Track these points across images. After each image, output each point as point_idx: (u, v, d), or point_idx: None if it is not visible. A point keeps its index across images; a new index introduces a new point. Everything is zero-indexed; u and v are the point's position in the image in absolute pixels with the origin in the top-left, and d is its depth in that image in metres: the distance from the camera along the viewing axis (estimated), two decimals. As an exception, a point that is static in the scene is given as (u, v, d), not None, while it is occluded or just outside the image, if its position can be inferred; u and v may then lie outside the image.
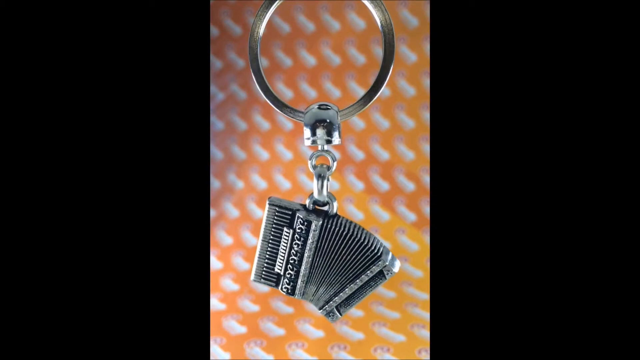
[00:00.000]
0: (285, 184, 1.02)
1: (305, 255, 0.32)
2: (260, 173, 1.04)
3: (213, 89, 1.09)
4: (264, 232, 0.33)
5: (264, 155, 1.05)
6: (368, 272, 0.32)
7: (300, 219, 0.32)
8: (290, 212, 0.33)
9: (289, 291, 0.33)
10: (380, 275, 0.33)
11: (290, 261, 0.33)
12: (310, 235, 0.32)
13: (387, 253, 0.33)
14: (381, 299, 0.82)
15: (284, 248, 0.33)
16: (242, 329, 0.76)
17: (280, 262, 0.33)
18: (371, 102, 0.32)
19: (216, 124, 1.09)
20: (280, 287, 0.33)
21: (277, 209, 0.33)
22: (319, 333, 0.74)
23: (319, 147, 0.32)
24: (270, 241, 0.33)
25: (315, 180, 0.32)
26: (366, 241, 0.32)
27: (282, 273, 0.33)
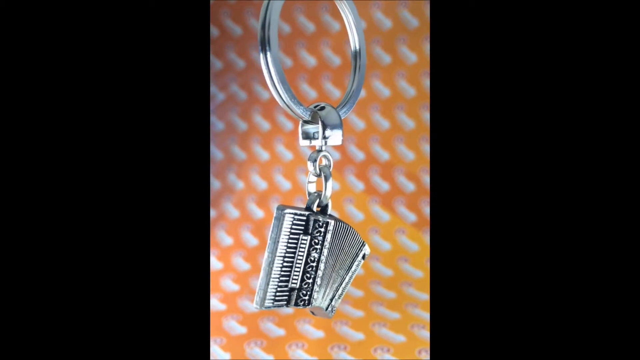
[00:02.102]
0: (285, 184, 1.02)
1: (321, 259, 0.31)
2: (260, 173, 1.04)
3: (213, 89, 1.09)
4: (281, 246, 0.30)
5: (264, 155, 1.05)
6: (357, 259, 0.33)
7: (318, 223, 0.31)
8: (305, 217, 0.31)
9: (306, 303, 0.31)
10: (363, 258, 0.33)
11: (308, 270, 0.31)
12: (327, 237, 0.31)
13: None
14: (381, 300, 0.82)
15: (301, 257, 0.31)
16: (242, 329, 0.76)
17: (295, 275, 0.31)
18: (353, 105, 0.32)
19: (216, 124, 1.09)
20: (294, 303, 0.31)
21: (294, 216, 0.30)
22: (319, 333, 0.74)
23: (317, 147, 0.32)
24: (287, 255, 0.30)
25: (324, 181, 0.32)
26: (354, 232, 0.33)
27: (297, 286, 0.31)
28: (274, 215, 0.30)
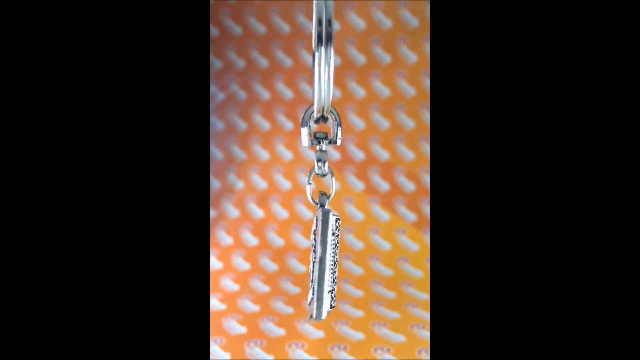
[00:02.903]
0: (285, 184, 1.02)
1: (336, 257, 0.31)
2: (260, 173, 1.04)
3: (213, 89, 1.09)
4: (329, 249, 0.29)
5: (264, 155, 1.05)
6: (337, 251, 0.32)
7: (338, 221, 0.30)
8: (337, 217, 0.30)
9: (334, 303, 0.30)
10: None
11: (334, 269, 0.30)
12: (338, 233, 0.31)
13: None
14: (381, 300, 0.82)
15: (332, 258, 0.30)
16: (242, 329, 0.76)
17: (331, 277, 0.30)
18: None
19: (216, 124, 1.09)
20: (330, 307, 0.30)
21: (336, 217, 0.30)
22: (319, 333, 0.74)
23: (318, 147, 0.32)
24: (331, 258, 0.30)
25: (332, 179, 0.32)
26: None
27: (331, 288, 0.30)
28: (320, 218, 0.30)
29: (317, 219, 0.30)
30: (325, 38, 0.28)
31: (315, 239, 0.30)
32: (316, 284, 0.29)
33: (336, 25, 1.05)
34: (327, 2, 0.28)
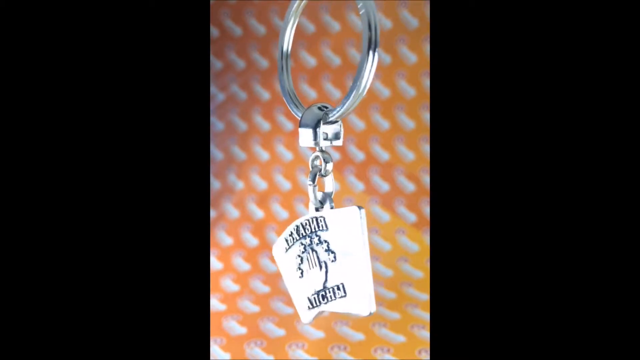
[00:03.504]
0: (285, 185, 1.02)
1: None
2: (260, 173, 1.04)
3: (213, 89, 1.09)
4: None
5: (264, 155, 1.05)
6: None
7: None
8: None
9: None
10: None
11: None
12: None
13: None
14: (381, 300, 0.82)
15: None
16: (242, 330, 0.76)
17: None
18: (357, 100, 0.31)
19: (216, 124, 1.09)
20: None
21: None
22: (319, 333, 0.74)
23: (318, 148, 0.31)
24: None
25: (332, 180, 0.32)
26: None
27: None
28: (361, 217, 0.29)
29: (349, 219, 0.29)
30: (374, 43, 0.28)
31: (343, 237, 0.30)
32: (360, 280, 0.29)
33: (336, 26, 1.05)
34: (371, 4, 0.28)
